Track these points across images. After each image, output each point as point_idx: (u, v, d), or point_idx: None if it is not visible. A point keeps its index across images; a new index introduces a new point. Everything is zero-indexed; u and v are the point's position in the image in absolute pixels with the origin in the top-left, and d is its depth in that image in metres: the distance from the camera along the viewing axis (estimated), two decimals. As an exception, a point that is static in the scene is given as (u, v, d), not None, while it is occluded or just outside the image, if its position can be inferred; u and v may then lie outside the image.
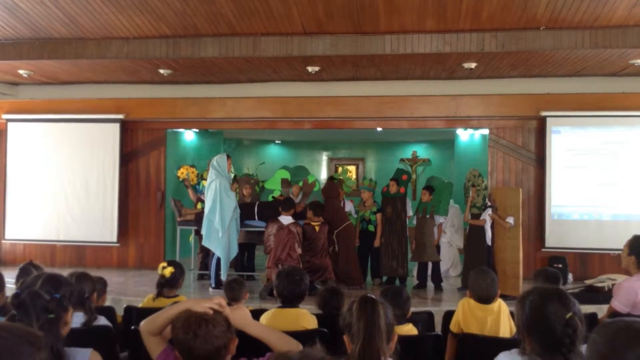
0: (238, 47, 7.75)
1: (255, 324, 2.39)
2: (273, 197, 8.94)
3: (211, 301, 2.22)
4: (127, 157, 9.86)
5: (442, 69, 8.66)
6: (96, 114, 9.66)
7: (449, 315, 3.93)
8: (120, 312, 4.48)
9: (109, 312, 3.91)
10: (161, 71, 8.78)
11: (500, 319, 3.55)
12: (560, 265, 8.68)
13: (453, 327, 3.65)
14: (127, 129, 9.85)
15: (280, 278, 3.64)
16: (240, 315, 2.31)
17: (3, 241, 10.02)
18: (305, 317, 3.52)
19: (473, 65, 8.18)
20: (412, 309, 3.72)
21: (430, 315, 4.43)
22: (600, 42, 7.22)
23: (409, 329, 3.41)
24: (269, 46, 7.69)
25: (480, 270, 3.75)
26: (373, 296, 2.27)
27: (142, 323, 2.30)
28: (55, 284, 2.29)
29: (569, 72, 8.75)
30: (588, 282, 7.86)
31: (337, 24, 7.23)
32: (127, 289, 8.08)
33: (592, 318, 4.31)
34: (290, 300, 3.63)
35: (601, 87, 8.97)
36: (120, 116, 9.60)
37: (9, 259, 10.01)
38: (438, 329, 4.48)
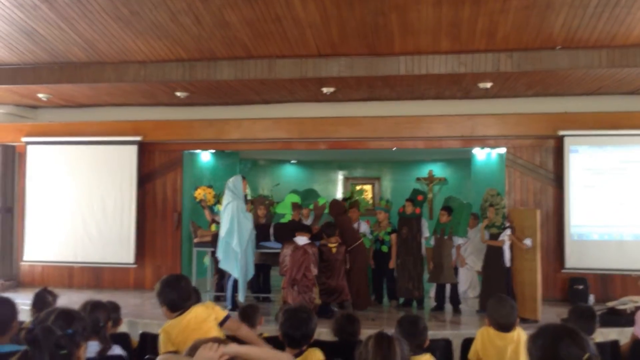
0: (253, 69, 7.79)
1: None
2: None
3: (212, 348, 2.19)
4: (145, 179, 9.93)
5: (458, 89, 8.63)
6: (114, 136, 9.76)
7: (467, 343, 3.86)
8: (136, 334, 4.48)
9: (123, 340, 3.90)
10: (178, 94, 8.86)
11: (519, 348, 3.48)
12: (581, 287, 8.55)
13: (472, 356, 3.59)
14: (145, 151, 9.93)
15: (286, 316, 3.22)
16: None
17: (21, 263, 10.10)
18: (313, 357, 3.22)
19: (489, 85, 8.14)
20: (430, 332, 3.61)
21: (448, 343, 4.36)
22: (618, 61, 7.14)
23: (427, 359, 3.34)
24: (284, 68, 7.72)
25: (500, 297, 3.70)
26: (389, 333, 2.24)
27: None
28: (67, 319, 2.29)
29: (586, 91, 8.66)
30: (610, 304, 7.68)
31: (351, 46, 7.24)
32: (143, 311, 8.07)
33: (614, 345, 4.22)
34: (295, 341, 3.19)
35: (619, 105, 8.86)
36: (138, 138, 9.68)
37: (27, 281, 10.09)
38: (456, 354, 4.40)
